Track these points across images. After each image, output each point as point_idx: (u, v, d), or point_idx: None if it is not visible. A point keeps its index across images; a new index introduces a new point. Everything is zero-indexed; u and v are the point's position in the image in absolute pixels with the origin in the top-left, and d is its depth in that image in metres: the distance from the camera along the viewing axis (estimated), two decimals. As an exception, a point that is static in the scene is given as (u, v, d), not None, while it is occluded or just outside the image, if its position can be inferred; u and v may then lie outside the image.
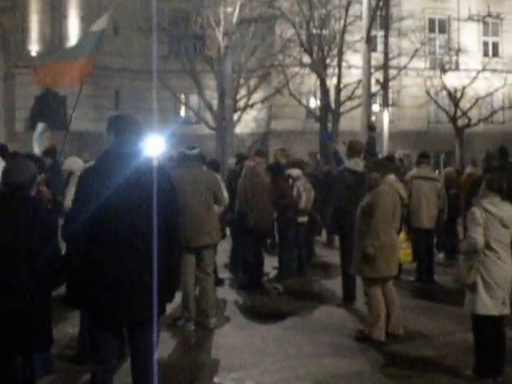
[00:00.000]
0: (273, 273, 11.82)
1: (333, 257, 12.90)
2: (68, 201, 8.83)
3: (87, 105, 31.08)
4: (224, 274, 11.85)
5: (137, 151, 4.86)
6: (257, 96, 30.17)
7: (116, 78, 32.14)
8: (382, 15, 26.66)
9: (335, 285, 10.82)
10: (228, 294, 10.72)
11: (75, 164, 9.80)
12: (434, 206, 11.42)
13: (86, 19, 31.17)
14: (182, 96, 32.80)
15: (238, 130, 30.28)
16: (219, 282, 10.88)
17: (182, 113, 33.78)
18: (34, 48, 30.76)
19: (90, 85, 31.40)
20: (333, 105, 27.82)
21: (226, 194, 9.49)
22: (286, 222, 11.43)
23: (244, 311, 9.71)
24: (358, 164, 9.61)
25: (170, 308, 5.97)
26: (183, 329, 8.50)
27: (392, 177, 9.16)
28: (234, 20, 25.53)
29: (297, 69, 28.71)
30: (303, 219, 11.89)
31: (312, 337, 8.27)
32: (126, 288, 4.66)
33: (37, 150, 13.66)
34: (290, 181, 11.91)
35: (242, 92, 29.61)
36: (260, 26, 27.97)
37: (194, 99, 32.13)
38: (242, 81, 29.36)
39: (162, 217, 4.67)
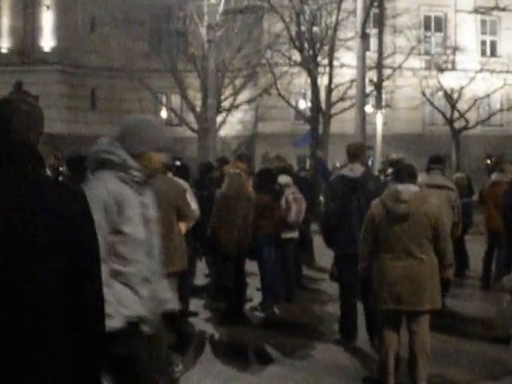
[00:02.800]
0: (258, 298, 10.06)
1: (323, 277, 11.26)
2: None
3: (61, 105, 29.43)
4: (199, 302, 10.06)
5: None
6: (243, 96, 28.51)
7: (92, 76, 30.52)
8: (376, 12, 25.38)
9: (330, 312, 9.30)
10: (201, 326, 8.96)
11: None
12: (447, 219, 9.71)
13: (61, 13, 29.53)
14: (163, 96, 30.99)
15: (223, 132, 28.62)
16: (190, 314, 9.13)
17: (163, 114, 31.97)
18: (5, 45, 28.98)
19: (64, 84, 29.88)
20: (323, 106, 26.28)
21: (195, 205, 7.62)
22: (267, 237, 9.65)
23: (219, 350, 7.93)
24: (354, 170, 7.89)
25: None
26: None
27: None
28: (219, 12, 23.87)
29: (285, 67, 27.08)
30: (293, 234, 10.15)
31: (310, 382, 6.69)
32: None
33: None
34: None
35: (227, 92, 27.93)
36: (246, 19, 26.32)
37: (176, 100, 30.39)
38: (226, 80, 27.66)
39: (64, 269, 2.64)
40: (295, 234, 10.21)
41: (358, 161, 8.05)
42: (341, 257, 7.84)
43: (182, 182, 7.88)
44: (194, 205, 7.68)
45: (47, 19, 29.72)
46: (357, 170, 7.80)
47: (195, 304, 9.72)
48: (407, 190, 6.14)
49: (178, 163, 10.11)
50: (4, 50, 28.87)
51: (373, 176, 9.15)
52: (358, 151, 8.15)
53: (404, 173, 6.33)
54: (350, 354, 7.68)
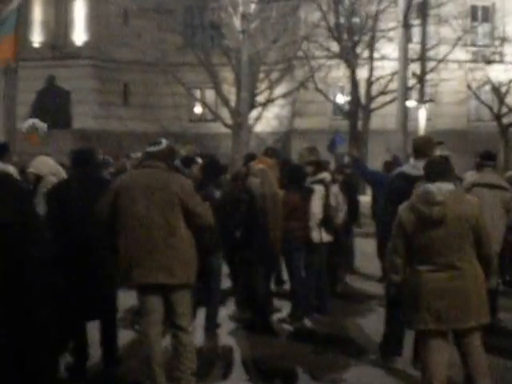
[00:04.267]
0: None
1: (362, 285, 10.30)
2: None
3: (93, 100, 28.78)
4: (222, 311, 9.09)
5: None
6: (279, 90, 27.52)
7: (125, 71, 29.72)
8: (419, 1, 24.35)
9: (369, 325, 8.28)
10: (223, 339, 8.00)
11: (44, 166, 7.63)
12: (500, 223, 8.53)
13: (93, 6, 28.86)
14: (197, 91, 30.10)
15: (259, 128, 27.69)
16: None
17: (197, 109, 31.10)
18: (37, 39, 28.39)
19: (96, 79, 29.19)
20: (363, 100, 25.23)
21: (205, 205, 6.34)
22: (297, 241, 8.65)
23: (242, 366, 6.98)
24: (418, 167, 6.72)
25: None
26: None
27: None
28: (254, 1, 22.95)
29: (323, 60, 26.03)
30: (329, 238, 9.08)
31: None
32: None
33: None
34: (321, 188, 9.13)
35: (263, 86, 26.95)
36: (282, 9, 25.29)
37: (210, 94, 29.47)
38: (262, 74, 26.68)
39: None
40: (329, 238, 9.19)
41: (424, 158, 6.91)
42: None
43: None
44: (203, 204, 6.62)
45: (79, 12, 29.05)
46: (421, 168, 6.65)
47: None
48: (440, 189, 5.04)
49: (199, 160, 9.25)
50: (36, 45, 28.27)
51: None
52: (425, 147, 6.97)
53: (435, 169, 5.26)
54: (390, 376, 6.62)
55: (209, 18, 27.91)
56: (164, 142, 5.97)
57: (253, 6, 24.50)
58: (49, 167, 7.58)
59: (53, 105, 28.04)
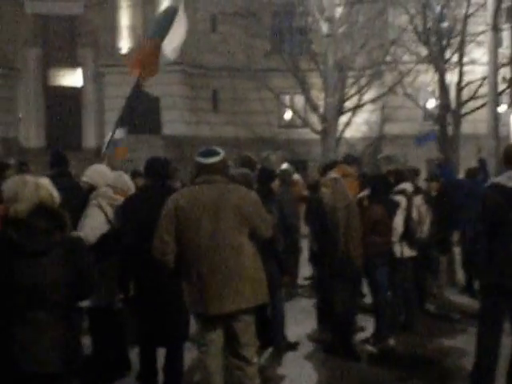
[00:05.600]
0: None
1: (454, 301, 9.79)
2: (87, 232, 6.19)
3: (183, 107, 28.91)
4: (300, 329, 8.73)
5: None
6: (368, 96, 26.97)
7: (214, 77, 29.68)
8: (509, 4, 23.61)
9: (460, 346, 7.89)
10: (301, 362, 7.68)
11: (99, 176, 7.09)
12: None
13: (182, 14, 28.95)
14: (286, 96, 29.84)
15: (348, 134, 27.18)
16: (290, 347, 7.91)
17: (287, 115, 30.83)
18: (124, 45, 28.70)
19: (185, 85, 29.30)
20: (453, 105, 24.48)
21: (268, 218, 5.85)
22: (380, 256, 8.20)
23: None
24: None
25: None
26: None
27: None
28: (339, 4, 22.55)
29: (412, 64, 25.37)
30: (412, 253, 8.67)
31: None
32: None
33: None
34: (402, 200, 8.70)
35: (352, 91, 26.46)
36: (369, 13, 24.77)
37: (299, 100, 29.16)
38: (350, 79, 26.20)
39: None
40: (413, 253, 8.73)
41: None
42: (490, 288, 6.10)
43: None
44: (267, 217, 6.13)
45: (168, 19, 29.19)
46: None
47: (294, 332, 8.40)
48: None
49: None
50: (124, 51, 28.53)
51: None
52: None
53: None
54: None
55: (296, 23, 27.64)
56: (220, 152, 5.54)
57: (339, 10, 24.16)
58: (104, 178, 7.06)
59: (142, 111, 28.27)
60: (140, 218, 6.10)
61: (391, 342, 8.26)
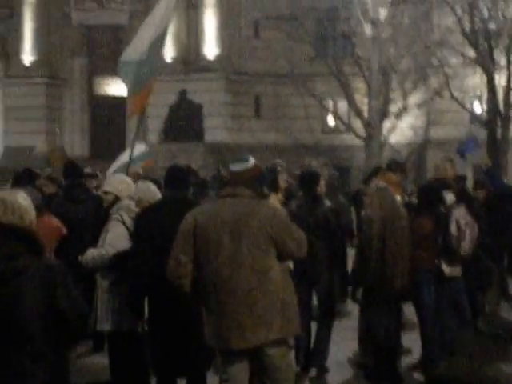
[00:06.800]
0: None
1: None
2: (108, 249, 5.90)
3: (225, 114, 28.80)
4: (341, 350, 8.23)
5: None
6: (413, 100, 26.50)
7: (256, 83, 29.48)
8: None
9: None
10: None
11: (123, 186, 6.50)
12: None
13: (223, 19, 28.92)
14: (329, 102, 29.53)
15: (393, 139, 26.70)
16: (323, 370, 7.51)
17: (330, 120, 30.50)
18: (168, 54, 28.70)
19: (227, 92, 29.21)
20: (502, 108, 23.86)
21: (301, 236, 4.95)
22: (427, 274, 7.66)
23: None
24: None
25: None
26: None
27: None
28: (384, 5, 22.21)
29: (458, 67, 24.81)
30: (455, 271, 7.90)
31: None
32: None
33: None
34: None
35: (396, 96, 26.04)
36: (414, 14, 24.29)
37: (343, 105, 28.80)
38: (395, 83, 25.77)
39: None
40: (457, 270, 7.94)
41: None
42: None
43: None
44: (300, 235, 5.19)
45: (210, 26, 29.09)
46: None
47: (333, 353, 7.73)
48: None
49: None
50: (168, 60, 28.54)
51: None
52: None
53: None
54: None
55: (340, 27, 27.33)
56: (250, 160, 4.93)
57: (383, 13, 23.79)
58: (128, 189, 6.43)
59: (185, 119, 28.29)
60: (155, 234, 5.58)
61: (441, 367, 7.62)
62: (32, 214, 3.66)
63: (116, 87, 31.08)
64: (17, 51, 30.62)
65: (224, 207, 4.79)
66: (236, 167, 4.88)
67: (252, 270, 4.64)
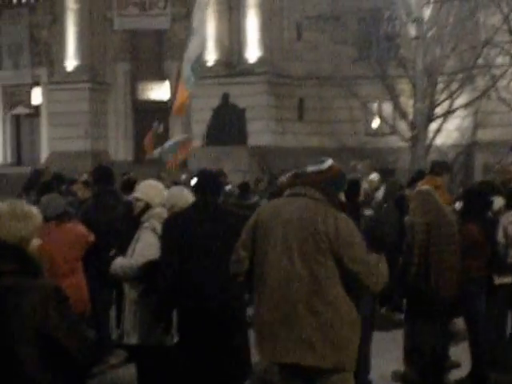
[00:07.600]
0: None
1: None
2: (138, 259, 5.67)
3: (268, 117, 28.59)
4: (385, 363, 7.85)
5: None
6: (460, 101, 25.97)
7: (299, 86, 29.23)
8: None
9: None
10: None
11: (156, 193, 6.16)
12: None
13: (266, 21, 28.70)
14: (374, 104, 29.15)
15: (439, 141, 26.21)
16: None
17: (374, 123, 30.10)
18: (211, 58, 28.63)
19: (270, 95, 29.00)
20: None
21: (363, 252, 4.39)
22: (477, 284, 7.34)
23: None
24: None
25: None
26: None
27: None
28: (427, 4, 21.80)
29: (506, 67, 24.25)
30: (505, 279, 7.56)
31: None
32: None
33: None
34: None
35: (442, 97, 25.55)
36: (459, 13, 23.80)
37: (387, 107, 28.40)
38: (441, 84, 25.29)
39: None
40: (509, 279, 7.65)
41: None
42: None
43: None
44: (363, 252, 4.58)
45: (252, 29, 28.86)
46: None
47: (377, 366, 7.41)
48: None
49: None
50: (210, 63, 28.47)
51: None
52: None
53: None
54: None
55: (383, 28, 26.97)
56: (327, 161, 4.55)
57: (427, 12, 23.38)
58: (160, 196, 6.07)
59: (228, 122, 28.15)
60: (182, 242, 5.34)
61: (492, 378, 7.26)
62: (24, 229, 3.28)
63: (159, 91, 31.20)
64: (60, 57, 30.89)
65: (284, 206, 4.45)
66: (310, 168, 4.55)
67: (304, 283, 4.24)
